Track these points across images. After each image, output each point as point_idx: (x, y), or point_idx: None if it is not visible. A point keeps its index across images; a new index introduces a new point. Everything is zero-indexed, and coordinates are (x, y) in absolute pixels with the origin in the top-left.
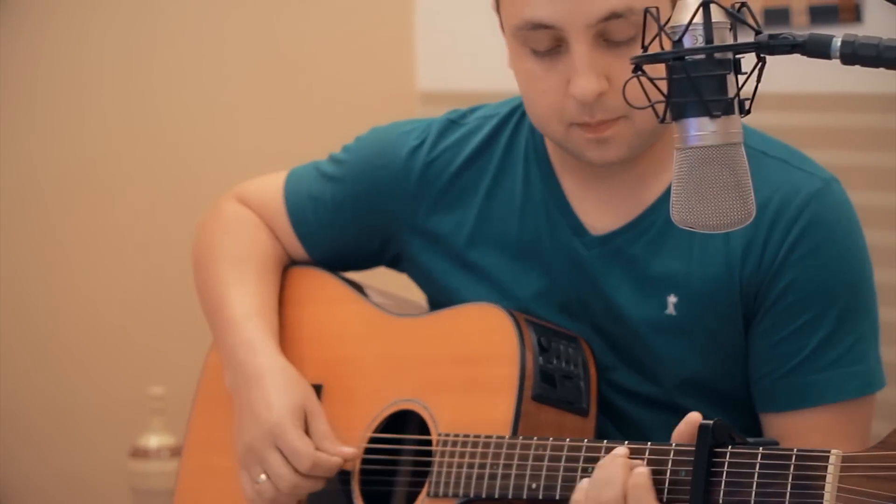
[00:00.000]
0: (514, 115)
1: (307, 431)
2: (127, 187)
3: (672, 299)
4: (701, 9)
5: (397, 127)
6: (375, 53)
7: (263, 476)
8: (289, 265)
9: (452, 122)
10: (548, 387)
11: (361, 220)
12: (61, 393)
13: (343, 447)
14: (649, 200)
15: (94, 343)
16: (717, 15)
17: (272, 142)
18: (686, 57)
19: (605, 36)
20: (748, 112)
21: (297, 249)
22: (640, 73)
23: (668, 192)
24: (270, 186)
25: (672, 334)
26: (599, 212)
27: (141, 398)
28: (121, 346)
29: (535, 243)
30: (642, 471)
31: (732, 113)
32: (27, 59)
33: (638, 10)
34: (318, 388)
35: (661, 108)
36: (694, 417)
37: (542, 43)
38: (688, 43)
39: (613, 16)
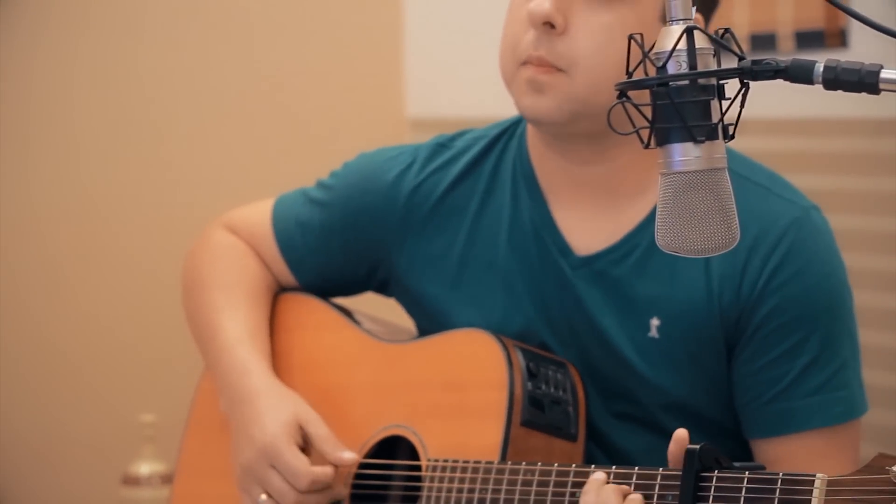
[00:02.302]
0: (503, 137)
1: (306, 440)
2: (117, 216)
3: (655, 322)
4: (685, 35)
5: (384, 152)
6: (365, 80)
7: (264, 497)
8: (279, 292)
9: (441, 146)
10: (537, 412)
11: (349, 245)
12: (52, 420)
13: (343, 451)
14: (634, 223)
15: (84, 370)
16: (700, 41)
17: (262, 168)
18: (670, 83)
19: None
20: (732, 137)
21: (286, 275)
22: (624, 99)
23: (651, 215)
24: (258, 214)
25: (655, 357)
26: (585, 233)
27: (132, 425)
28: (112, 373)
29: (523, 263)
30: (635, 497)
31: (716, 138)
32: (21, 84)
33: None
34: None
35: (645, 133)
36: (681, 435)
37: None
38: (672, 69)
39: None
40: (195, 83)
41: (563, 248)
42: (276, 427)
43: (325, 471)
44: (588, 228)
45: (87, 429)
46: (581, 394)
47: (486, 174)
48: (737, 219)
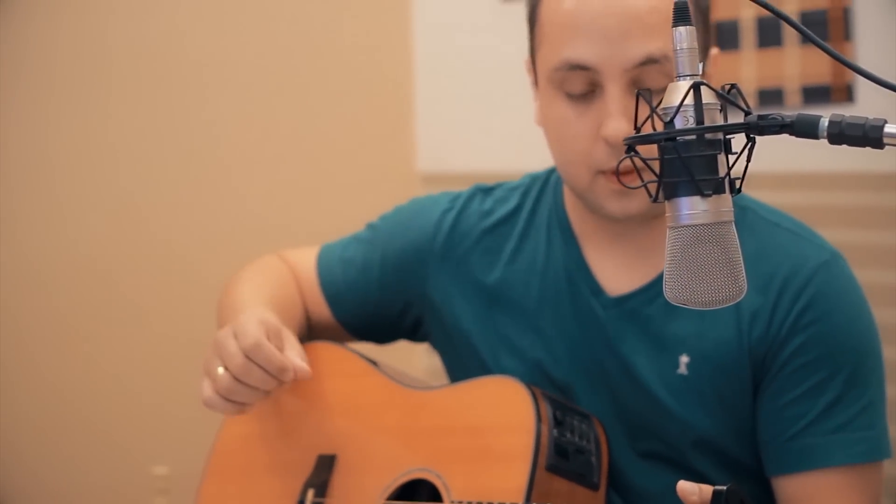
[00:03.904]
0: (536, 185)
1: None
2: (130, 270)
3: (684, 359)
4: (692, 90)
5: (432, 197)
6: (377, 137)
7: (221, 369)
8: (308, 341)
9: (481, 191)
10: (561, 459)
11: (388, 279)
12: (66, 471)
13: (300, 361)
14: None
15: (97, 422)
16: (707, 96)
17: (274, 222)
18: (677, 138)
19: (637, 83)
20: (739, 191)
21: (323, 310)
22: (632, 153)
23: None
24: (306, 252)
25: (684, 394)
26: (617, 274)
27: (144, 478)
28: (124, 425)
29: (555, 304)
30: None
31: (723, 192)
32: (28, 135)
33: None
34: (332, 458)
35: (653, 187)
36: (681, 488)
37: (578, 85)
38: (679, 124)
39: (650, 60)
40: (210, 135)
41: (595, 289)
42: (254, 315)
43: (272, 348)
44: (620, 270)
45: (100, 480)
46: (604, 446)
47: (522, 220)
48: (744, 271)
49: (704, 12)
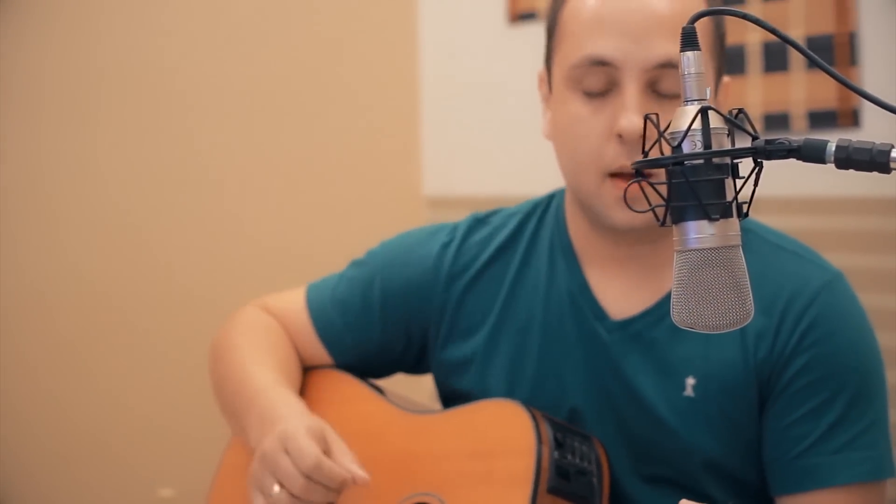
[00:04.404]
0: (537, 211)
1: (327, 453)
2: (136, 293)
3: (690, 381)
4: (699, 115)
5: (424, 229)
6: (384, 161)
7: (277, 487)
8: (308, 368)
9: (478, 222)
10: (562, 481)
11: (390, 317)
12: (69, 495)
13: (357, 468)
14: (668, 287)
15: (103, 444)
16: (715, 121)
17: (280, 245)
18: (685, 162)
19: (654, 86)
20: (746, 215)
21: (322, 356)
22: (640, 177)
23: None
24: (291, 298)
25: (690, 416)
26: (620, 298)
27: (150, 500)
28: (131, 447)
29: (559, 329)
30: None
31: (731, 216)
32: (23, 149)
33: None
34: None
35: (661, 211)
36: None
37: (596, 82)
38: (687, 148)
39: (669, 64)
40: (213, 156)
41: (599, 313)
42: (300, 423)
43: (332, 465)
44: (624, 294)
45: (106, 503)
46: (605, 467)
47: (522, 246)
48: (751, 295)
49: (722, 38)
